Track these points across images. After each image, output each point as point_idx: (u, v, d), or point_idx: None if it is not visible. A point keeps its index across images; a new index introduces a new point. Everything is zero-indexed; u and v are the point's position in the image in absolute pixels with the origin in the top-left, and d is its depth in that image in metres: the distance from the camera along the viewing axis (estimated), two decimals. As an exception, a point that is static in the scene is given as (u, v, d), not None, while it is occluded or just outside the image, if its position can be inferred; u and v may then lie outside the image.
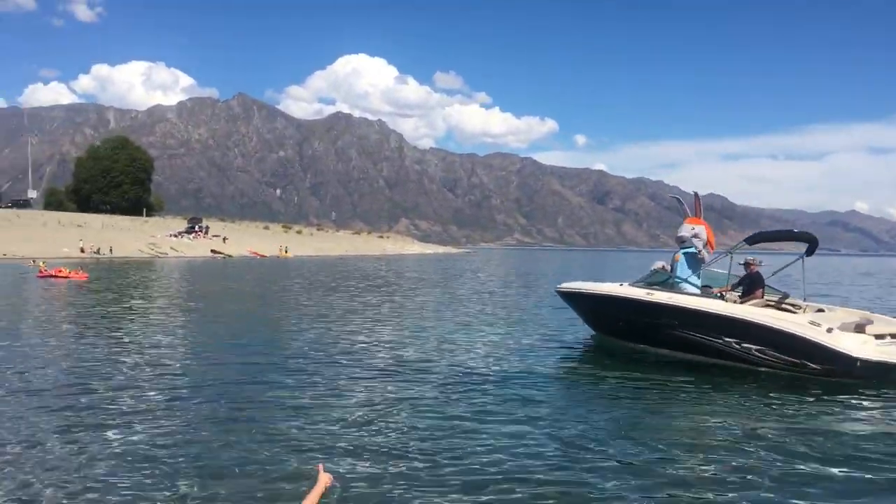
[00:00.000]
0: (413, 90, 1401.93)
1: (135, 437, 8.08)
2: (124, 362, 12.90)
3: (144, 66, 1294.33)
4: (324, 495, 4.61)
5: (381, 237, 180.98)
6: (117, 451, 7.60)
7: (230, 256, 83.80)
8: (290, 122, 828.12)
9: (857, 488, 6.88)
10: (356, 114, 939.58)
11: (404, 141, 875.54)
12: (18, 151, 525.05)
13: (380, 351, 14.71)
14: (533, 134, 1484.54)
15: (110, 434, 8.23)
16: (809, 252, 14.30)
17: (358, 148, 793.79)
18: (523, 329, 18.75)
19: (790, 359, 12.07)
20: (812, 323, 12.09)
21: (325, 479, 4.60)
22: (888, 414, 10.07)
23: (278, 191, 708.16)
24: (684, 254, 14.81)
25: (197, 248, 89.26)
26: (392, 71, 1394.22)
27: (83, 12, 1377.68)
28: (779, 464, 7.46)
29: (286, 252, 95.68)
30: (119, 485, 6.63)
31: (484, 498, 6.43)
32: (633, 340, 14.82)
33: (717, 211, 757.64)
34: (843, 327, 12.13)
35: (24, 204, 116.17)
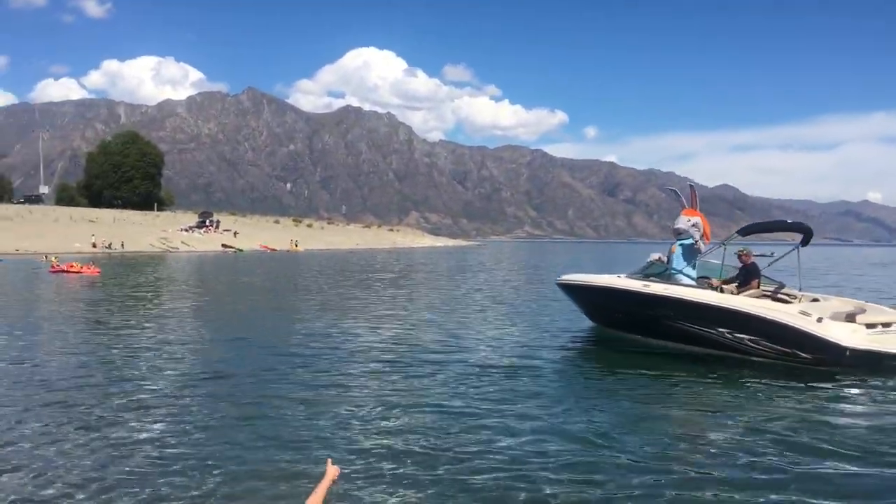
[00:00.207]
0: (422, 83, 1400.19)
1: (145, 431, 8.13)
2: (135, 357, 12.99)
3: (154, 61, 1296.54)
4: (331, 488, 4.62)
5: (392, 230, 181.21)
6: (129, 443, 7.67)
7: (241, 251, 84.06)
8: (300, 115, 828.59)
9: (847, 480, 6.87)
10: (366, 107, 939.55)
11: (414, 134, 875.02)
12: (30, 147, 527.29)
13: (388, 344, 14.75)
14: (543, 126, 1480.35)
15: (122, 427, 8.29)
16: (804, 242, 14.38)
17: (368, 141, 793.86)
18: (527, 322, 18.85)
19: (781, 348, 12.19)
20: (803, 313, 12.20)
21: (332, 472, 4.61)
22: (878, 403, 10.06)
23: (288, 185, 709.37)
24: (680, 245, 14.95)
25: (208, 242, 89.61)
26: (401, 64, 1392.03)
27: (93, 8, 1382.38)
28: (776, 457, 7.46)
29: (297, 246, 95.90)
30: (130, 477, 6.67)
31: (492, 493, 6.41)
32: (630, 332, 14.91)
33: (728, 202, 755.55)
34: (834, 317, 12.26)
35: (36, 199, 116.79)
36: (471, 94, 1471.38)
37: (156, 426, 8.38)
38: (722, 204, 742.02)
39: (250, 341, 14.89)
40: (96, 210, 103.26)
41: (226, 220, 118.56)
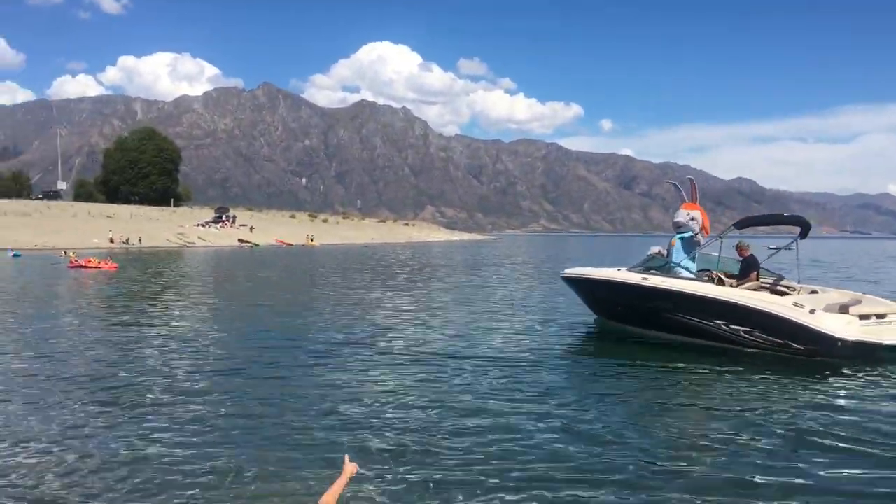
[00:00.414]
0: (437, 77, 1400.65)
1: (162, 426, 8.13)
2: (153, 351, 13.05)
3: (170, 57, 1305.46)
4: (349, 484, 4.62)
5: (407, 225, 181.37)
6: (147, 437, 7.69)
7: (257, 245, 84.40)
8: (315, 110, 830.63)
9: (839, 470, 6.88)
10: (380, 101, 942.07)
11: (429, 128, 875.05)
12: (48, 144, 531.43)
13: (402, 338, 14.77)
14: (558, 119, 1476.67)
15: (140, 421, 8.31)
16: (803, 235, 14.40)
17: (383, 136, 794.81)
18: (535, 315, 18.97)
19: (775, 339, 12.32)
20: (796, 304, 12.30)
21: (350, 469, 4.59)
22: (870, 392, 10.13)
23: (304, 179, 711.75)
24: (680, 239, 15.05)
25: (224, 237, 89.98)
26: (416, 58, 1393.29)
27: (109, 4, 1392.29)
28: (778, 448, 7.46)
29: (312, 241, 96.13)
30: (147, 470, 6.68)
31: (506, 489, 6.36)
32: (631, 324, 15.09)
33: (745, 195, 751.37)
34: (828, 308, 12.37)
35: (55, 195, 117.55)
36: (486, 87, 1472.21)
37: (172, 421, 8.37)
38: (739, 197, 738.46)
39: (267, 336, 14.90)
40: (114, 206, 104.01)
41: (242, 215, 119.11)
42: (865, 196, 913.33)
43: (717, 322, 12.97)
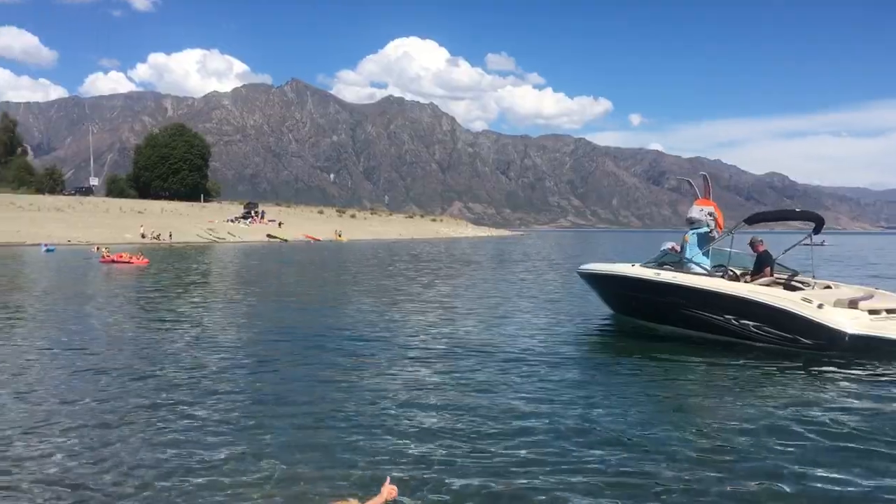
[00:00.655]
0: (465, 72, 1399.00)
1: (191, 420, 8.14)
2: (183, 345, 13.13)
3: (199, 53, 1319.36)
4: None
5: (435, 220, 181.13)
6: (173, 431, 7.75)
7: (286, 241, 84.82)
8: (343, 106, 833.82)
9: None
10: (408, 97, 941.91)
11: (457, 124, 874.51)
12: (80, 140, 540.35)
13: (428, 333, 14.83)
14: (586, 114, 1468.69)
15: (167, 414, 8.34)
16: (816, 231, 14.52)
17: (410, 131, 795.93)
18: (556, 310, 19.05)
19: (784, 334, 12.39)
20: (804, 299, 12.34)
21: (388, 491, 4.39)
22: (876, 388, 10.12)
23: (332, 175, 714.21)
24: (694, 234, 15.18)
25: (253, 232, 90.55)
26: (443, 53, 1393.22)
27: (140, 2, 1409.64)
28: (784, 447, 7.34)
29: (340, 236, 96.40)
30: (171, 465, 6.71)
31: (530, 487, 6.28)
32: (645, 319, 15.25)
33: (777, 190, 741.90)
34: (837, 303, 12.39)
35: (87, 191, 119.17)
36: (513, 82, 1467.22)
37: (198, 416, 8.37)
38: (770, 192, 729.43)
39: (295, 331, 14.91)
40: (145, 201, 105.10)
41: (271, 210, 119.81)
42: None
43: (728, 317, 13.05)
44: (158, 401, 9.02)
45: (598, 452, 7.21)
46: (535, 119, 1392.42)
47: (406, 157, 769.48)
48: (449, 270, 36.57)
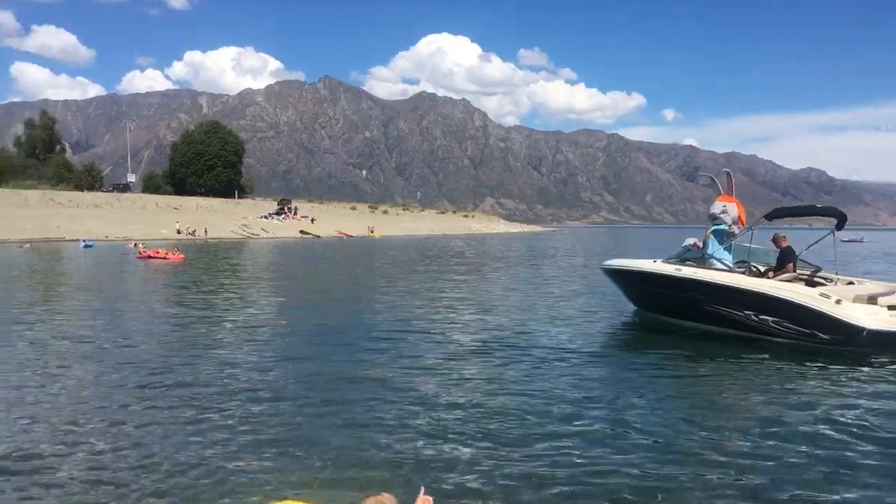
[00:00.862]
0: (497, 68, 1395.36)
1: (220, 415, 8.25)
2: (218, 340, 13.33)
3: (234, 51, 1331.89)
4: None
5: (467, 216, 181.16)
6: (206, 424, 7.85)
7: (318, 237, 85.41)
8: (376, 103, 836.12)
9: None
10: (440, 93, 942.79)
11: (489, 119, 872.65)
12: (118, 137, 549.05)
13: (459, 329, 14.90)
14: (619, 109, 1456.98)
15: (200, 409, 8.46)
16: (839, 227, 14.44)
17: (442, 127, 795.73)
18: (584, 306, 19.11)
19: (802, 329, 12.41)
20: (823, 295, 12.33)
21: (423, 501, 4.32)
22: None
23: (364, 171, 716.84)
24: (715, 230, 15.22)
25: (286, 229, 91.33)
26: (476, 49, 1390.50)
27: (176, 0, 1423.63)
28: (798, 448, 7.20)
29: (373, 232, 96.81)
30: (208, 462, 6.77)
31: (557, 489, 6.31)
32: (667, 315, 15.28)
33: (814, 186, 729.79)
34: (857, 299, 12.35)
35: (125, 188, 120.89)
36: (546, 77, 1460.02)
37: (230, 412, 8.48)
38: (807, 188, 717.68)
39: (328, 327, 15.02)
40: (180, 198, 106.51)
41: (304, 206, 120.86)
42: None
43: (747, 312, 13.10)
44: (193, 396, 9.16)
45: (625, 454, 7.19)
46: (567, 114, 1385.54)
47: (438, 152, 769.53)
48: (479, 266, 36.57)
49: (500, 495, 6.13)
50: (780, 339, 12.64)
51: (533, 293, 22.81)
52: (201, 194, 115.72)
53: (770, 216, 14.52)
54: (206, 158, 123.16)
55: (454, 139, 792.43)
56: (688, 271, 14.41)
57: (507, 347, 12.75)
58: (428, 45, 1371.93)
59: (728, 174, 16.48)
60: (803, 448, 7.24)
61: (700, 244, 15.63)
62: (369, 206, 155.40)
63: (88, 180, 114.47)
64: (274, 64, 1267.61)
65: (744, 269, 14.28)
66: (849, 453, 7.13)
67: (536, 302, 20.26)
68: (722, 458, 6.97)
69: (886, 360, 11.34)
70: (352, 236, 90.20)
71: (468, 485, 6.33)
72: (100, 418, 8.20)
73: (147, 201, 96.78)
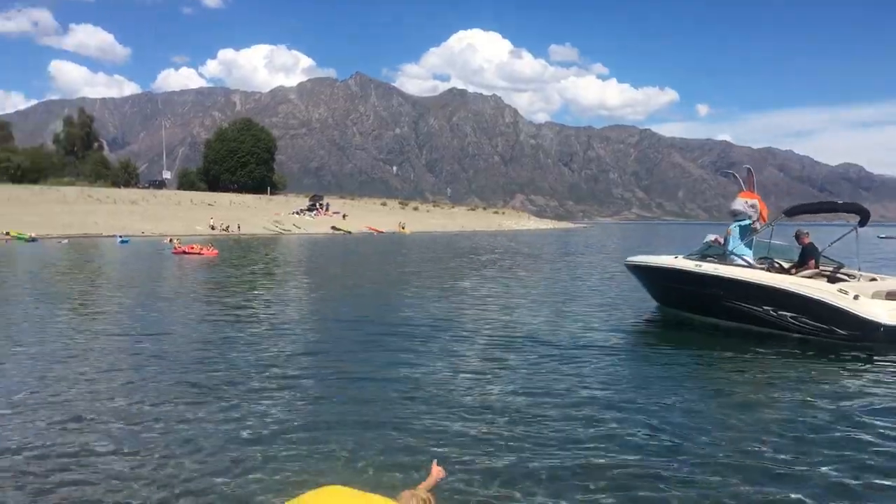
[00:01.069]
0: (528, 64, 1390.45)
1: (251, 409, 8.46)
2: (251, 334, 13.54)
3: (267, 49, 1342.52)
4: (434, 488, 4.54)
5: (497, 213, 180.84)
6: (237, 419, 7.99)
7: (350, 233, 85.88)
8: (406, 99, 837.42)
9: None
10: (471, 89, 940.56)
11: (519, 116, 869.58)
12: (153, 135, 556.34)
13: (487, 324, 15.04)
14: (651, 105, 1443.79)
15: (232, 402, 8.67)
16: (862, 223, 14.39)
17: (473, 124, 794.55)
18: (610, 302, 19.08)
19: (820, 325, 12.45)
20: (841, 290, 12.32)
21: (436, 473, 4.57)
22: None
23: (395, 168, 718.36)
24: (737, 226, 15.25)
25: (318, 224, 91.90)
26: (506, 45, 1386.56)
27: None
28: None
29: (404, 228, 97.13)
30: (233, 452, 6.95)
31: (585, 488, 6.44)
32: (689, 311, 15.31)
33: (852, 181, 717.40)
34: (875, 295, 12.36)
35: (160, 184, 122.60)
36: (577, 73, 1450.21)
37: (262, 405, 8.68)
38: (845, 184, 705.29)
39: (359, 322, 15.17)
40: (214, 194, 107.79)
41: (335, 202, 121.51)
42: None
43: (766, 308, 13.16)
44: (226, 388, 9.39)
45: (648, 455, 7.28)
46: (598, 110, 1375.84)
47: (468, 149, 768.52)
48: (509, 263, 36.58)
49: (521, 493, 6.27)
50: (798, 335, 12.70)
51: (561, 289, 22.88)
52: (234, 191, 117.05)
53: (789, 212, 14.55)
54: (239, 155, 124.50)
55: (484, 135, 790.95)
56: (707, 267, 14.51)
57: (537, 343, 12.83)
58: (459, 41, 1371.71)
59: (749, 170, 16.50)
60: (825, 446, 7.25)
61: (721, 240, 15.72)
62: (399, 203, 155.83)
63: (125, 177, 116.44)
64: (306, 61, 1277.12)
65: (767, 266, 14.32)
66: (869, 452, 7.12)
67: (564, 297, 20.34)
68: (747, 460, 6.96)
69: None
70: (382, 232, 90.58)
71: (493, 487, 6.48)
72: (131, 410, 8.44)
73: (182, 198, 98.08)
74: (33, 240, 52.44)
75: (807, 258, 14.14)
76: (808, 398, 9.08)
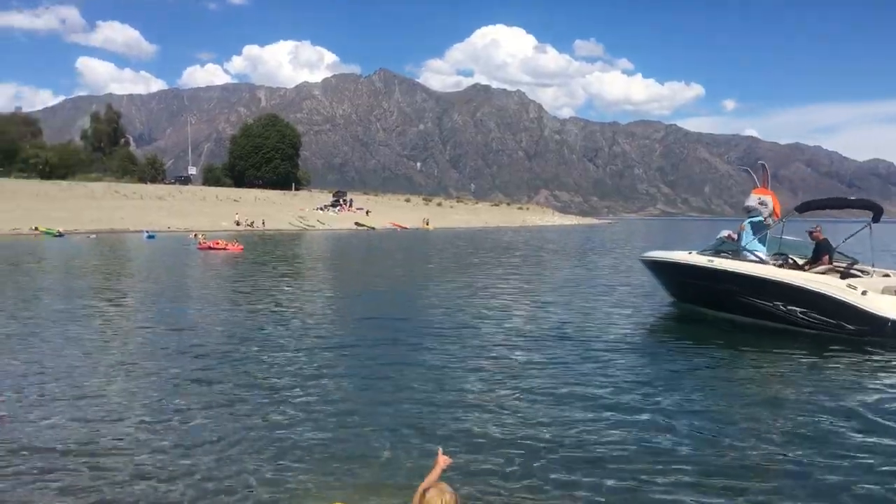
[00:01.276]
0: (552, 59, 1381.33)
1: (273, 403, 8.61)
2: (275, 329, 13.77)
3: (291, 45, 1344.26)
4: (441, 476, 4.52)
5: (521, 208, 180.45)
6: (259, 413, 8.11)
7: (373, 229, 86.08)
8: (430, 95, 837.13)
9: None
10: (494, 85, 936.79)
11: (543, 111, 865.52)
12: (179, 131, 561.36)
13: (508, 320, 15.31)
14: (677, 100, 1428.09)
15: (255, 397, 8.82)
16: (875, 219, 14.47)
17: (497, 119, 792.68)
18: (624, 299, 19.23)
19: (829, 320, 12.65)
20: (849, 286, 12.38)
21: (442, 462, 4.62)
22: None
23: (419, 164, 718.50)
24: (750, 223, 15.37)
25: (342, 220, 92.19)
26: (531, 40, 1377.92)
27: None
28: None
29: (428, 224, 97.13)
30: (253, 446, 7.09)
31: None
32: (703, 306, 15.49)
33: (882, 177, 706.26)
34: (885, 290, 12.42)
35: (186, 180, 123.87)
36: (602, 68, 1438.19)
37: (284, 399, 8.82)
38: (874, 179, 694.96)
39: (382, 318, 15.38)
40: (239, 190, 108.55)
41: (359, 198, 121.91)
42: None
43: (777, 303, 13.36)
44: (251, 383, 9.54)
45: (664, 444, 7.38)
46: (623, 105, 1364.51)
47: (492, 144, 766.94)
48: (531, 258, 36.60)
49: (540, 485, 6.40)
50: (807, 330, 12.78)
51: (582, 284, 22.97)
52: (259, 186, 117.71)
53: (801, 209, 14.60)
54: (264, 151, 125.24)
55: (508, 131, 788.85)
56: (720, 262, 14.64)
57: (556, 341, 12.92)
58: (482, 36, 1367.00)
59: (763, 167, 16.62)
60: (836, 441, 7.37)
61: (735, 236, 15.84)
62: (423, 199, 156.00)
63: (151, 173, 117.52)
64: (330, 57, 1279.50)
65: (781, 262, 14.38)
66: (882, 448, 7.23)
67: (584, 292, 20.47)
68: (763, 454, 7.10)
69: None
70: (406, 228, 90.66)
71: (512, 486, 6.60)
72: (156, 406, 8.59)
73: (207, 193, 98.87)
74: (61, 235, 53.15)
75: (820, 254, 14.23)
76: (832, 397, 9.03)
